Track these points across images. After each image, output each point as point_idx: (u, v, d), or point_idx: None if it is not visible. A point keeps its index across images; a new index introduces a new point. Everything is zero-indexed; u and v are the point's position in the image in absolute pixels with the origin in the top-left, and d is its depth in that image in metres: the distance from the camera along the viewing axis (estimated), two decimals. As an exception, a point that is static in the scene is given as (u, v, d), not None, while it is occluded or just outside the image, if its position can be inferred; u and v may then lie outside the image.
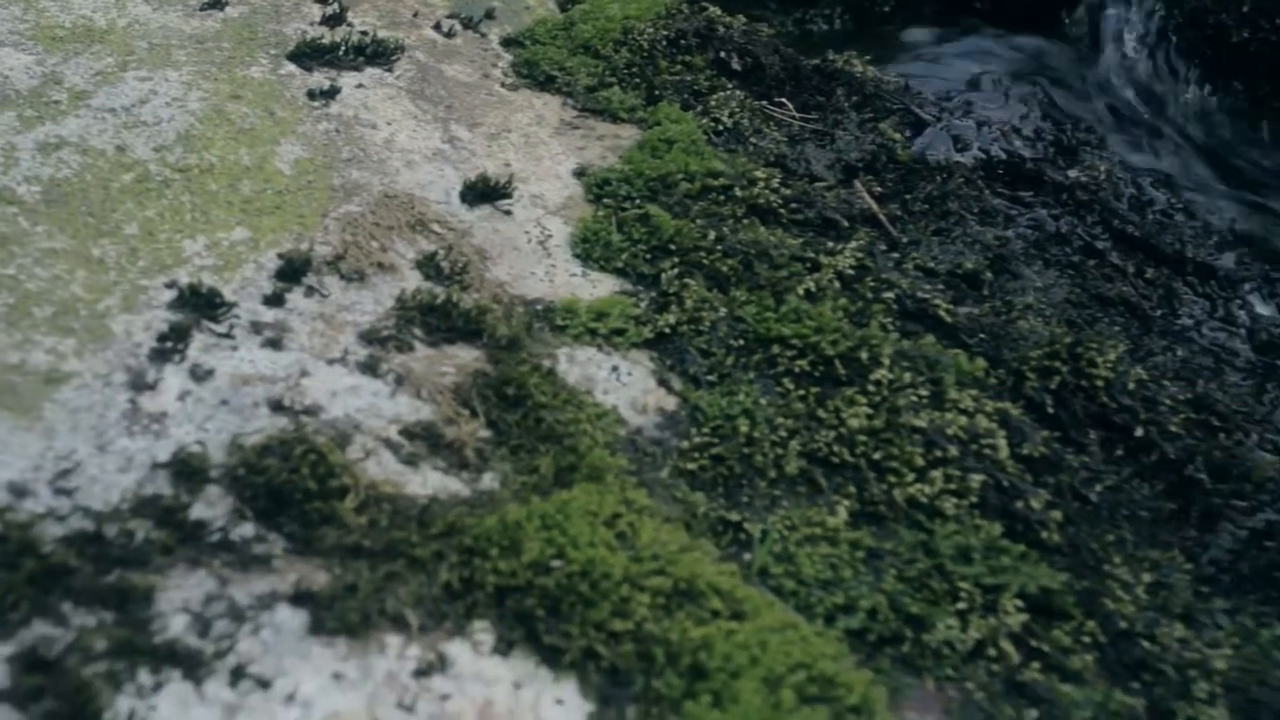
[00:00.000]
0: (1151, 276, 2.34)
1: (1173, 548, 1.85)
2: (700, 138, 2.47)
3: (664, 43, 2.75)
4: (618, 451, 1.78)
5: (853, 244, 2.22)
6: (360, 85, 2.43)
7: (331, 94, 2.35)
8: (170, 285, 1.83)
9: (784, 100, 2.67)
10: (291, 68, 2.42)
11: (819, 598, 1.64)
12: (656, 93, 2.63)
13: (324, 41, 2.50)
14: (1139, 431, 1.97)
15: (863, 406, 1.88)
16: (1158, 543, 1.86)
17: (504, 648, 1.49)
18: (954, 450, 1.83)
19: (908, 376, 1.93)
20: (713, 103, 2.60)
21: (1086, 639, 1.67)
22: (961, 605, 1.66)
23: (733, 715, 1.42)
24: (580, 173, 2.34)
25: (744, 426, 1.84)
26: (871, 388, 1.91)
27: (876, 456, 1.82)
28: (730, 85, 2.69)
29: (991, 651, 1.62)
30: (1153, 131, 2.64)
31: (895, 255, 2.26)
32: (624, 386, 1.90)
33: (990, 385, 1.99)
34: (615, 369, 1.93)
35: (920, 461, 1.81)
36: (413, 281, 1.98)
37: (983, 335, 2.10)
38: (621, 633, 1.50)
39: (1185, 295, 2.33)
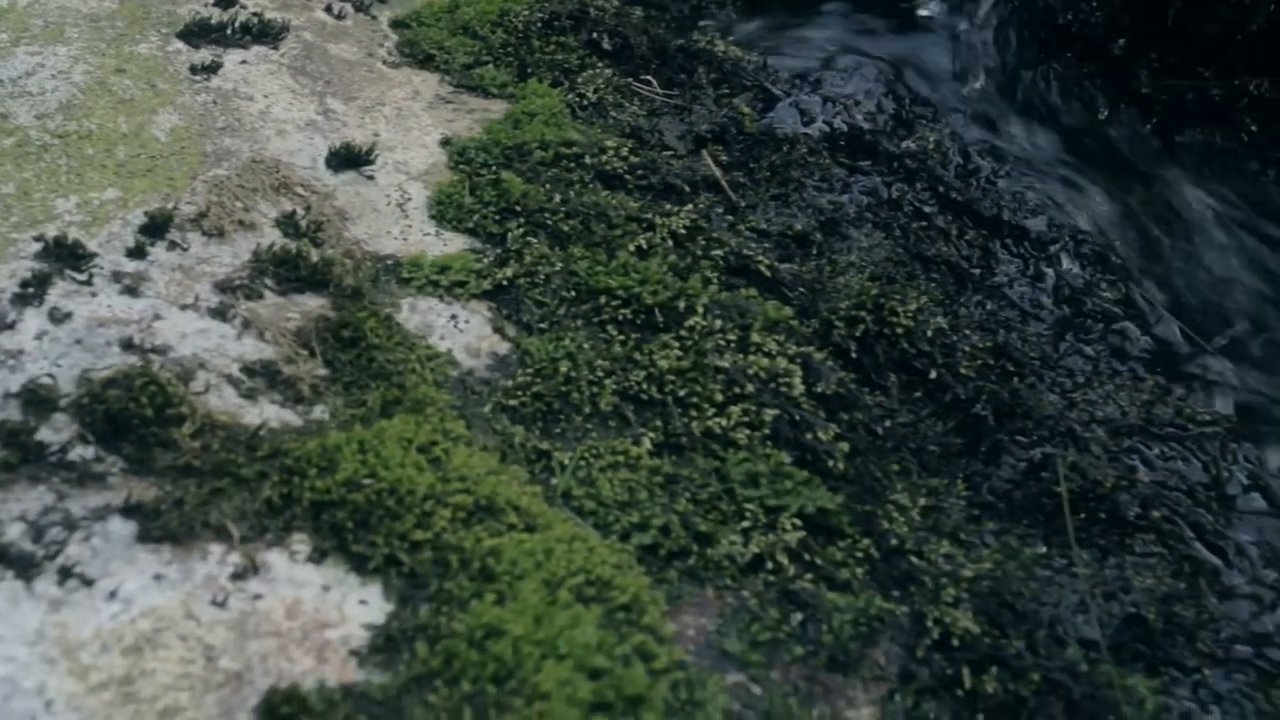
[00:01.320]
0: (971, 238, 2.49)
1: (955, 478, 2.00)
2: (562, 111, 2.60)
3: (539, 24, 2.88)
4: (446, 389, 1.92)
5: (689, 207, 2.36)
6: (244, 62, 2.56)
7: (214, 69, 2.48)
8: (38, 239, 1.96)
9: (649, 78, 2.81)
10: (179, 45, 2.55)
11: (616, 517, 1.78)
12: (529, 70, 2.76)
13: (214, 21, 2.63)
14: (933, 374, 2.12)
15: (674, 350, 2.02)
16: (940, 473, 2.01)
17: (317, 556, 1.63)
18: (752, 388, 1.97)
19: (719, 323, 2.07)
20: (580, 80, 2.74)
21: (859, 555, 1.82)
22: (746, 524, 1.80)
23: (512, 610, 1.56)
24: (446, 142, 2.48)
25: (565, 367, 1.98)
26: (684, 333, 2.05)
27: (682, 394, 1.96)
28: (600, 64, 2.82)
29: (769, 564, 1.77)
30: (987, 106, 2.79)
31: (731, 218, 2.40)
32: (460, 333, 2.04)
33: (800, 332, 2.13)
34: (454, 317, 2.07)
35: (720, 398, 1.95)
36: (271, 238, 2.12)
37: (801, 289, 2.24)
38: (421, 542, 1.64)
39: (1001, 255, 2.47)
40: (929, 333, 2.15)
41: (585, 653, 1.51)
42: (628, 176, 2.43)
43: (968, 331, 2.23)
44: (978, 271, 2.45)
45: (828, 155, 2.62)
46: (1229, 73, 2.54)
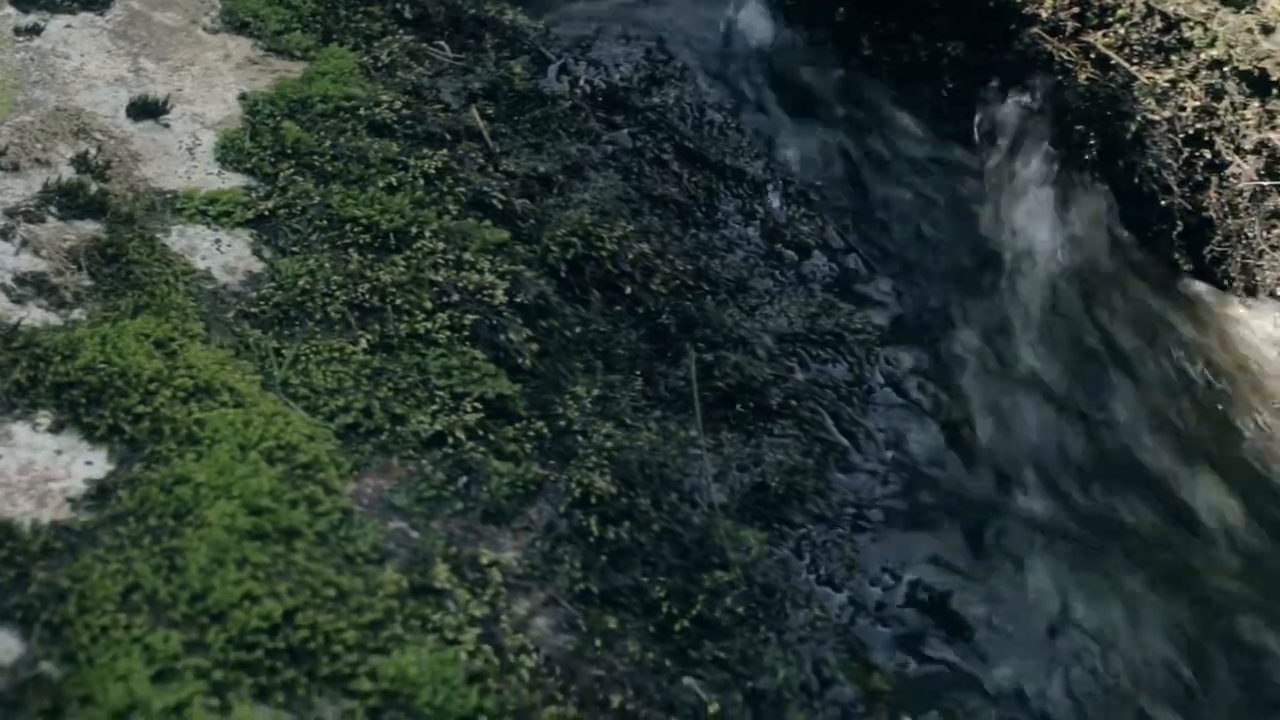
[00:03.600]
0: (698, 180, 2.77)
1: (635, 375, 2.29)
2: (353, 71, 2.86)
3: (348, -5, 3.14)
4: (196, 299, 2.19)
5: (443, 151, 2.63)
6: (69, 26, 2.81)
7: (36, 31, 2.73)
8: None
9: (442, 43, 3.07)
10: (10, 10, 2.80)
11: (325, 402, 2.05)
12: (332, 36, 3.02)
13: (47, -10, 2.88)
14: (629, 290, 2.40)
15: (399, 267, 2.29)
16: (622, 371, 2.29)
17: (56, 427, 1.90)
18: (458, 297, 2.25)
19: (442, 245, 2.35)
20: (378, 45, 2.99)
21: (531, 434, 2.10)
22: (435, 408, 2.08)
23: (205, 464, 1.83)
24: (242, 97, 2.74)
25: (304, 282, 2.25)
26: (410, 253, 2.33)
27: (399, 302, 2.23)
28: (400, 31, 3.08)
29: (450, 440, 2.05)
30: (732, 68, 3.06)
31: (484, 162, 2.67)
32: (221, 255, 2.31)
33: (518, 254, 2.40)
34: (218, 241, 2.33)
35: (430, 306, 2.23)
36: (65, 174, 2.38)
37: (532, 221, 2.52)
38: (142, 414, 1.91)
39: (722, 194, 2.75)
40: (631, 256, 2.44)
41: (255, 496, 1.79)
42: (396, 126, 2.69)
43: (671, 257, 2.51)
44: (701, 210, 2.73)
45: (586, 110, 2.89)
46: (933, 37, 2.82)
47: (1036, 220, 2.62)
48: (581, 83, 2.95)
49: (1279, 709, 1.96)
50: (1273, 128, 2.44)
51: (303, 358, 2.11)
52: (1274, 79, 2.39)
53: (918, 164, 2.78)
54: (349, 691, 1.58)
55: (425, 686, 1.58)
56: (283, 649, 1.59)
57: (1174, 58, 2.47)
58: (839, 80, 2.95)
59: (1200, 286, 2.65)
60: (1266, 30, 2.37)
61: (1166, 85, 2.52)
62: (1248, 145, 2.49)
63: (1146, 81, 2.51)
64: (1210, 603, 2.09)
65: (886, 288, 2.53)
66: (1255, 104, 2.44)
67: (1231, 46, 2.35)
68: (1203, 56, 2.42)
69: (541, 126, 2.82)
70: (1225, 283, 2.66)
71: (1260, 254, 2.60)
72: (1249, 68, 2.38)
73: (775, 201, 2.71)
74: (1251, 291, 2.65)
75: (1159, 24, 2.55)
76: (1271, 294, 2.63)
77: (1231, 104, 2.48)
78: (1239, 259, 2.64)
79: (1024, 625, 1.99)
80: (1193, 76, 2.48)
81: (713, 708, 1.71)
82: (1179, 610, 2.04)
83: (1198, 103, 2.50)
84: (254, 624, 1.60)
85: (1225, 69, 2.43)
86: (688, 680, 1.75)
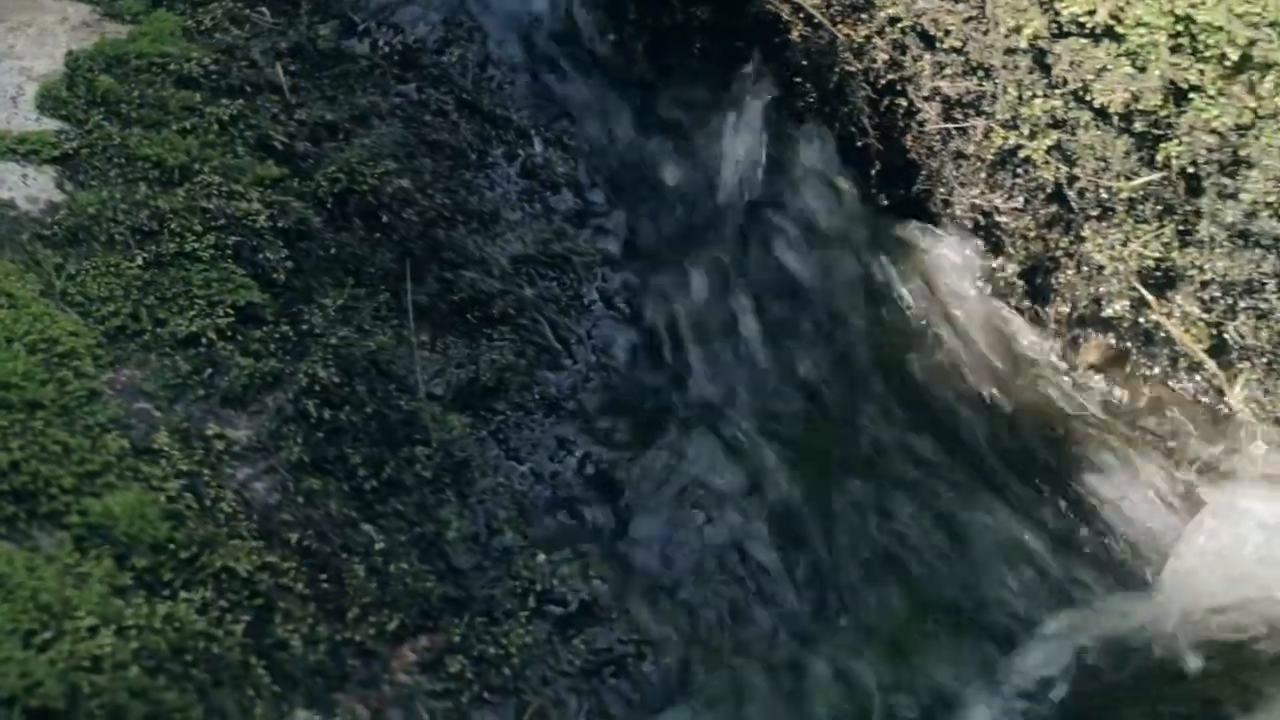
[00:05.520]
0: (473, 128, 3.05)
1: (381, 290, 2.58)
2: (175, 33, 3.13)
3: (180, -34, 3.41)
4: (-3, 223, 2.47)
5: (241, 101, 2.91)
6: (-83, -9, 3.09)
7: (-116, -4, 3.00)
8: None
9: (263, 10, 3.35)
10: None
11: (97, 308, 2.33)
12: (163, 3, 3.29)
13: (-98, -40, 3.14)
14: (385, 219, 2.69)
15: (179, 196, 2.58)
16: (371, 287, 2.58)
17: None
18: (224, 221, 2.54)
19: (219, 179, 2.64)
20: (203, 10, 3.27)
21: (278, 336, 2.39)
22: (193, 313, 2.37)
23: (-27, 354, 2.12)
24: (70, 54, 3.01)
25: (94, 209, 2.53)
26: (191, 185, 2.61)
27: (174, 226, 2.52)
28: (228, -2, 3.36)
29: (203, 339, 2.33)
30: (523, 29, 3.33)
31: (279, 112, 2.95)
32: (27, 187, 2.58)
33: (289, 187, 2.69)
34: (25, 176, 2.61)
35: (200, 229, 2.51)
36: (-107, 117, 2.66)
37: (311, 161, 2.81)
38: (-76, 315, 2.20)
39: (493, 140, 3.04)
40: (390, 190, 2.73)
41: (7, 374, 2.08)
42: (202, 80, 2.96)
43: (433, 192, 2.80)
44: (473, 154, 3.02)
45: (382, 68, 3.17)
46: (687, 2, 3.11)
47: (758, 164, 2.91)
48: (380, 44, 3.23)
49: (881, 560, 2.27)
50: (942, 77, 2.74)
51: (82, 272, 2.40)
52: (932, 34, 2.68)
53: (666, 115, 3.07)
54: (62, 525, 1.87)
55: (124, 520, 1.88)
56: (6, 491, 1.88)
57: (864, 16, 2.76)
58: (610, 42, 3.24)
59: (906, 220, 2.95)
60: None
61: (862, 40, 2.82)
62: (925, 93, 2.79)
63: (844, 38, 2.80)
64: (836, 475, 2.40)
65: (619, 220, 2.82)
66: (928, 56, 2.73)
67: (902, 5, 2.64)
68: (884, 15, 2.72)
69: (339, 82, 3.10)
70: (927, 217, 2.96)
71: (952, 190, 2.90)
72: (917, 24, 2.68)
73: (537, 146, 3.01)
74: (946, 223, 2.95)
75: (853, -16, 2.81)
76: (962, 225, 2.93)
77: (913, 57, 2.77)
78: (939, 196, 2.95)
79: (665, 489, 2.30)
80: (881, 34, 2.78)
81: (379, 546, 2.01)
82: (811, 483, 2.35)
83: (887, 56, 2.79)
84: (-16, 471, 1.88)
85: (902, 25, 2.73)
86: (366, 526, 2.06)
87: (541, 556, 2.08)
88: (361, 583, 1.95)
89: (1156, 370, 2.81)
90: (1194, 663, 2.02)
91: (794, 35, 2.92)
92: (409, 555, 2.03)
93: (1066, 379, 2.76)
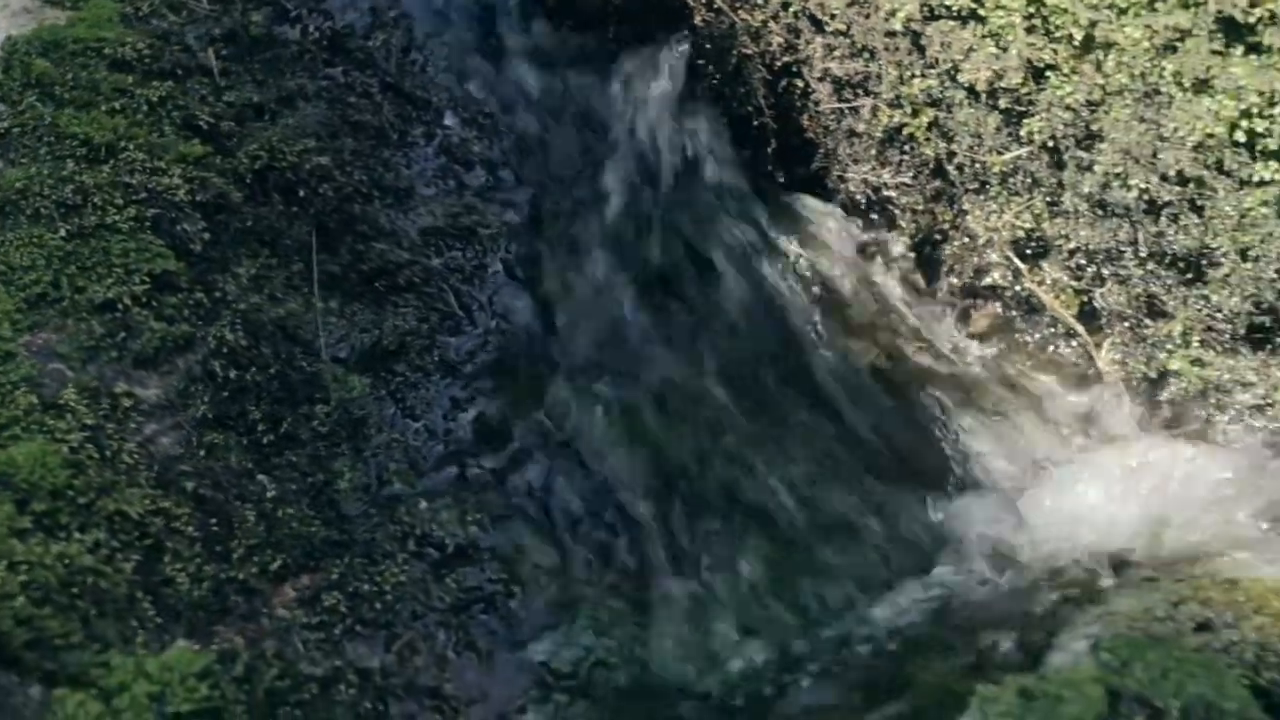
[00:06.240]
0: (394, 109, 3.16)
1: (294, 261, 2.69)
2: (112, 19, 3.24)
3: (122, -45, 3.52)
4: (-72, 198, 2.58)
5: (170, 83, 3.02)
6: None
7: None
8: None
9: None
10: None
11: (19, 276, 2.44)
12: (104, -10, 3.40)
13: None
14: (303, 194, 2.81)
15: (104, 172, 2.69)
16: (284, 257, 2.69)
17: None
18: (146, 195, 2.65)
19: (143, 156, 2.75)
20: (141, -2, 3.38)
21: (192, 302, 2.50)
22: (110, 281, 2.48)
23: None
24: (8, 39, 3.12)
25: (21, 184, 2.64)
26: (116, 162, 2.72)
27: (96, 200, 2.63)
28: (166, -14, 3.47)
29: (119, 305, 2.45)
30: (447, 16, 3.45)
31: (207, 94, 3.06)
32: (-38, 166, 2.70)
33: (212, 164, 2.80)
34: (-42, 154, 2.73)
35: (121, 202, 2.63)
36: None
37: (234, 139, 2.92)
38: None
39: (413, 120, 3.15)
40: (309, 167, 2.84)
41: (-79, 337, 2.19)
42: (135, 63, 3.06)
43: (350, 170, 2.91)
44: (395, 133, 3.13)
45: (311, 53, 3.28)
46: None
47: (665, 142, 3.03)
48: (311, 29, 3.34)
49: (744, 512, 2.39)
50: (832, 59, 2.85)
51: (6, 243, 2.51)
52: (821, 18, 2.79)
53: (578, 97, 3.18)
54: (-34, 474, 1.99)
55: (25, 468, 1.99)
56: (-85, 443, 2.00)
57: (760, 1, 2.87)
58: (531, 28, 3.35)
59: (802, 197, 3.07)
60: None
61: (759, 25, 2.92)
62: (817, 74, 2.90)
63: (743, 22, 2.91)
64: (710, 433, 2.52)
65: (525, 195, 2.93)
66: (819, 39, 2.84)
67: (791, -10, 2.76)
68: (776, 1, 2.83)
69: (269, 66, 3.21)
70: (825, 194, 3.08)
71: (846, 167, 3.01)
72: (806, 8, 2.78)
73: (454, 126, 3.12)
74: (843, 199, 3.06)
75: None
76: (853, 200, 3.04)
77: (805, 40, 2.88)
78: (835, 173, 3.06)
79: (548, 442, 2.42)
80: (775, 18, 2.88)
81: (270, 494, 2.13)
82: (684, 440, 2.47)
83: (782, 39, 2.90)
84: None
85: (794, 10, 2.83)
86: (261, 476, 2.18)
87: (424, 503, 2.20)
88: (250, 527, 2.06)
89: (1037, 337, 2.92)
90: (1038, 603, 2.13)
91: (698, 20, 3.02)
92: (299, 503, 2.15)
93: (948, 346, 2.87)
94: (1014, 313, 2.95)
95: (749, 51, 2.95)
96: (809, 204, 3.06)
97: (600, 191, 2.97)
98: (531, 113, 3.18)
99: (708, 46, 3.07)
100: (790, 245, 2.96)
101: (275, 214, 2.78)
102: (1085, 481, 2.44)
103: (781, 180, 3.07)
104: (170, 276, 2.53)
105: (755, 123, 3.01)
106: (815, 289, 2.92)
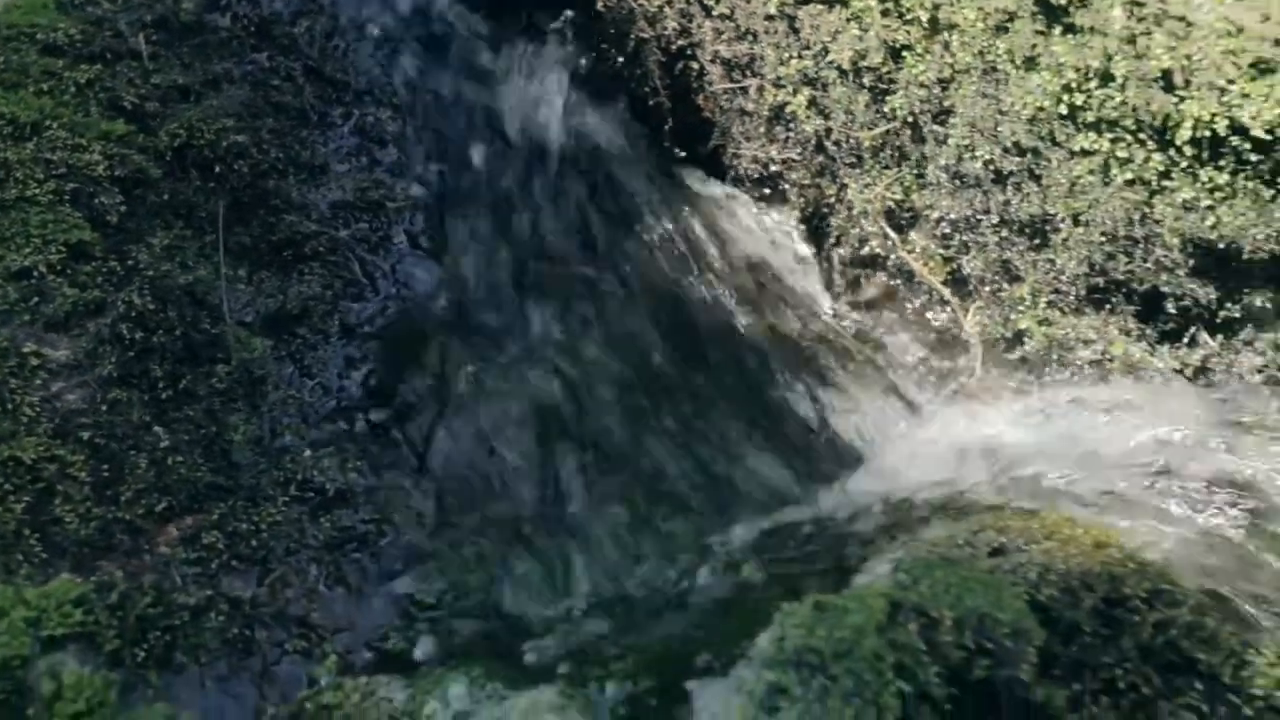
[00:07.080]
0: (316, 92, 3.29)
1: (207, 231, 2.82)
2: (46, 5, 3.37)
3: (62, -54, 3.64)
4: None
5: (99, 66, 3.15)
6: None
7: None
8: None
9: (138, -15, 3.58)
10: None
11: (-57, 245, 2.58)
12: (43, -22, 3.52)
13: None
14: (219, 170, 2.93)
15: (28, 149, 2.82)
16: (198, 229, 2.82)
17: None
18: (65, 170, 2.78)
19: (65, 134, 2.87)
20: (79, -15, 3.50)
21: (105, 270, 2.63)
22: (28, 250, 2.61)
23: None
24: (-52, 25, 3.25)
25: (-48, 161, 2.77)
26: (40, 139, 2.85)
27: (18, 175, 2.76)
28: (105, -25, 3.58)
29: (34, 272, 2.57)
30: (374, 5, 3.57)
31: (134, 76, 3.19)
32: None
33: (134, 142, 2.92)
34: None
35: (42, 177, 2.75)
36: None
37: (158, 119, 3.04)
38: None
39: (333, 101, 3.28)
40: (226, 144, 2.96)
41: None
42: (67, 48, 3.19)
43: (268, 147, 3.04)
44: (315, 114, 3.25)
45: (239, 38, 3.40)
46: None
47: (563, 122, 3.15)
48: (240, 16, 3.46)
49: (622, 458, 2.52)
50: (721, 42, 2.96)
51: (-63, 217, 2.64)
52: (708, 3, 2.91)
53: (489, 77, 3.30)
54: (-125, 423, 2.12)
55: (-73, 418, 2.12)
56: None
57: (655, -14, 3.00)
58: (450, 14, 3.47)
59: (697, 172, 3.19)
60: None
61: (655, 10, 3.04)
62: (709, 57, 3.02)
63: (640, 7, 3.03)
64: (594, 391, 2.65)
65: (433, 171, 3.06)
66: (708, 23, 2.96)
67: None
68: (669, -15, 2.95)
69: (198, 51, 3.33)
70: (720, 170, 3.20)
71: (739, 145, 3.13)
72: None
73: (371, 107, 3.24)
74: (738, 175, 3.18)
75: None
76: (748, 176, 3.16)
77: (697, 24, 3.00)
78: (730, 151, 3.18)
79: (434, 398, 2.55)
80: (670, 3, 3.00)
81: (164, 444, 2.26)
82: (568, 397, 2.60)
83: (676, 24, 3.02)
84: None
85: (687, -4, 2.96)
86: (157, 428, 2.30)
87: (308, 452, 2.33)
88: (141, 473, 2.20)
89: (917, 303, 3.04)
90: (862, 534, 2.26)
91: (600, 4, 3.14)
92: (191, 452, 2.28)
93: (830, 313, 3.00)
94: (897, 281, 3.07)
95: (646, 35, 3.08)
96: (704, 179, 3.18)
97: (502, 167, 3.10)
98: (443, 92, 3.30)
99: (611, 30, 3.19)
100: (683, 218, 3.09)
101: (192, 189, 2.90)
102: (931, 431, 2.57)
103: (680, 157, 3.20)
104: (85, 246, 2.65)
105: (652, 102, 3.13)
106: (706, 261, 3.05)
